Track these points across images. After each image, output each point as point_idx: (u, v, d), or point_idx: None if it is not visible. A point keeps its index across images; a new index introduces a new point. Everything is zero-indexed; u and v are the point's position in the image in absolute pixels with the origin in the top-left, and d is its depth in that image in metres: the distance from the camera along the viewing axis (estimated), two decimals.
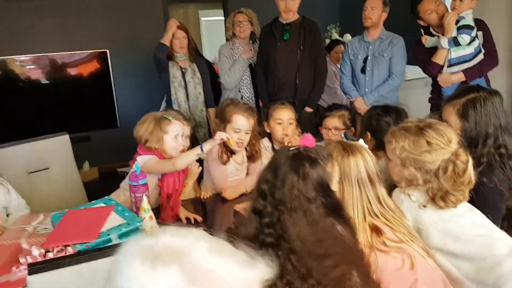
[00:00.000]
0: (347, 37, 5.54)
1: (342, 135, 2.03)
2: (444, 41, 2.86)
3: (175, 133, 2.17)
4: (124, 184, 2.26)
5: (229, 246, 0.76)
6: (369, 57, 3.44)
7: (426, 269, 1.36)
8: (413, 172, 1.47)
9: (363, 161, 1.41)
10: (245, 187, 2.33)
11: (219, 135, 2.11)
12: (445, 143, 1.43)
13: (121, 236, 1.44)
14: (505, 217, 1.74)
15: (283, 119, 2.53)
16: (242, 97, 3.73)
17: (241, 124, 2.31)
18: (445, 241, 1.47)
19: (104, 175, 5.13)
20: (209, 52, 7.04)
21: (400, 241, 1.39)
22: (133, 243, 0.70)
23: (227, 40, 3.89)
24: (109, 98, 5.37)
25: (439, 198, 1.43)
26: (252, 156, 2.40)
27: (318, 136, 2.84)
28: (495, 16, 3.28)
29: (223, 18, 6.26)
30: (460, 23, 2.82)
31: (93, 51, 5.22)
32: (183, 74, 3.59)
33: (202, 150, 2.09)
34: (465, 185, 1.44)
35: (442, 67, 2.98)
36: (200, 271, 0.65)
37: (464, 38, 2.81)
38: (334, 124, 2.53)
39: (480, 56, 2.90)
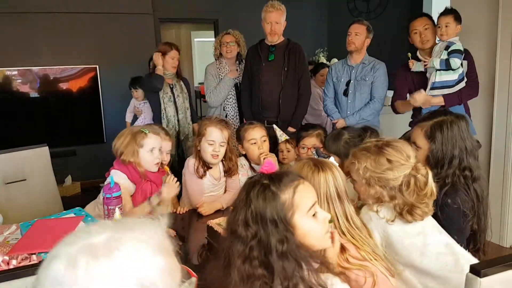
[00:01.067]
0: (334, 61, 5.64)
1: (314, 151, 2.06)
2: (436, 62, 2.94)
3: (150, 147, 2.19)
4: (99, 197, 2.27)
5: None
6: (351, 81, 3.52)
7: (388, 287, 1.38)
8: (379, 190, 1.50)
9: (333, 177, 1.44)
10: (221, 204, 2.36)
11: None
12: (405, 159, 1.48)
13: None
14: (469, 238, 1.78)
15: (256, 138, 2.56)
16: (226, 115, 3.80)
17: (215, 136, 2.34)
18: (411, 257, 1.49)
19: (86, 190, 5.11)
20: (200, 72, 7.12)
21: (363, 259, 1.41)
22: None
23: (215, 59, 3.97)
24: (97, 113, 5.42)
25: (406, 212, 1.47)
26: (229, 170, 2.42)
27: None
28: (478, 44, 3.38)
29: (214, 39, 6.36)
30: (452, 48, 2.90)
31: (83, 66, 5.28)
32: (172, 89, 3.77)
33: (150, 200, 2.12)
34: (428, 197, 1.48)
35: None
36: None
37: (456, 61, 2.89)
38: (312, 143, 2.57)
39: (462, 84, 2.99)
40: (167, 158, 2.41)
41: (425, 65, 3.06)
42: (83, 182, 5.25)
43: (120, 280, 0.66)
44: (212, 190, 2.40)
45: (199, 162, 2.34)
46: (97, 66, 5.34)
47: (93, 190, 4.82)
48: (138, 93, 4.27)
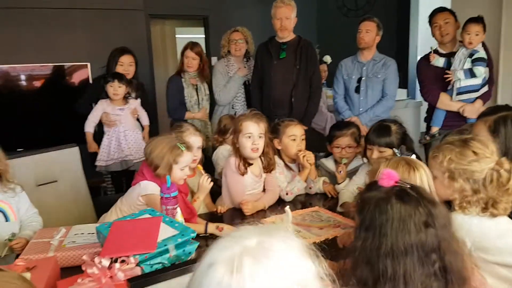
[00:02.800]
0: (327, 58, 5.70)
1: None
2: (460, 74, 3.02)
3: (184, 164, 2.13)
4: (120, 202, 2.21)
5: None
6: (363, 77, 3.56)
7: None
8: (462, 184, 1.51)
9: (426, 175, 1.46)
10: (263, 204, 2.35)
11: None
12: (490, 153, 1.50)
13: (178, 246, 1.42)
14: None
15: (297, 135, 2.56)
16: (235, 113, 3.76)
17: (252, 129, 2.31)
18: (504, 257, 1.48)
19: None
20: None
21: None
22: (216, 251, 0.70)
23: (221, 57, 3.93)
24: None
25: (491, 206, 1.49)
26: (268, 165, 2.40)
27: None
28: None
29: (203, 36, 6.30)
30: (476, 56, 2.99)
31: (73, 63, 5.11)
32: (197, 92, 3.73)
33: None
34: (509, 194, 1.49)
35: (438, 97, 3.16)
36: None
37: (480, 69, 2.98)
38: (347, 143, 2.58)
39: (486, 88, 3.10)
40: (198, 154, 2.37)
41: (448, 80, 3.11)
42: None
43: (282, 281, 0.67)
44: (253, 188, 2.38)
45: (239, 159, 2.32)
46: (88, 64, 5.17)
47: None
48: (121, 90, 3.32)
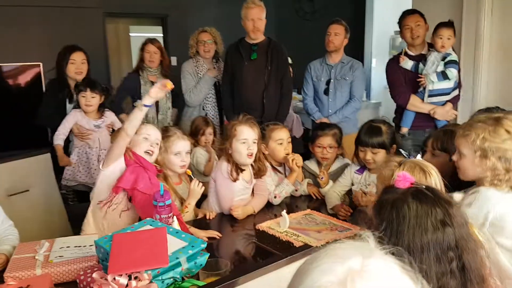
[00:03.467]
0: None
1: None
2: (433, 77, 3.11)
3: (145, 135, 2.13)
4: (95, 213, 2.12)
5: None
6: (331, 80, 3.62)
7: None
8: (495, 162, 1.53)
9: (438, 178, 1.48)
10: (252, 208, 2.31)
11: (156, 85, 2.05)
12: None
13: (188, 259, 1.36)
14: None
15: (284, 138, 2.54)
16: (206, 115, 3.70)
17: (247, 134, 2.27)
18: None
19: None
20: None
21: None
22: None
23: (190, 57, 3.85)
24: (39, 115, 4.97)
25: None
26: (259, 171, 2.37)
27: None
28: None
29: (161, 35, 6.17)
30: (448, 58, 3.09)
31: (24, 63, 4.83)
32: None
33: (146, 106, 2.03)
34: None
35: (408, 100, 3.25)
36: None
37: (453, 71, 3.08)
38: (328, 142, 2.61)
39: (457, 91, 3.22)
40: (187, 159, 2.30)
41: (421, 84, 3.20)
42: None
43: None
44: (242, 194, 2.33)
45: (232, 165, 2.27)
46: (41, 63, 4.90)
47: None
48: (94, 100, 2.96)
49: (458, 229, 1.15)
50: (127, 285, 1.19)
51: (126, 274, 1.23)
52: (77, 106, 3.03)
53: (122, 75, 6.75)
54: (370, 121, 2.42)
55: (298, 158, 2.48)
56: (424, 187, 1.19)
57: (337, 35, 3.57)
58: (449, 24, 3.10)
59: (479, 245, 1.23)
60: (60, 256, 1.68)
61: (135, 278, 1.21)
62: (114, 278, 1.20)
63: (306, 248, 1.27)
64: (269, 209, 2.42)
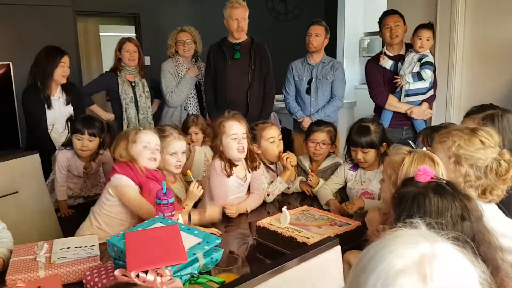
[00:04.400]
0: None
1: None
2: (408, 77, 3.21)
3: (145, 144, 2.11)
4: (93, 215, 2.12)
5: None
6: (313, 79, 3.67)
7: None
8: (467, 170, 1.61)
9: (444, 169, 1.54)
10: (245, 207, 2.31)
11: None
12: (494, 144, 1.61)
13: (205, 254, 1.35)
14: None
15: (275, 136, 2.55)
16: (188, 115, 3.67)
17: (236, 129, 2.27)
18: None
19: None
20: (107, 68, 6.69)
21: None
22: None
23: (169, 57, 3.81)
24: (11, 115, 4.80)
25: (489, 192, 1.60)
26: (252, 163, 2.36)
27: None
28: None
29: (133, 34, 6.06)
30: (424, 60, 3.20)
31: None
32: (134, 88, 3.57)
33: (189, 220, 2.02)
34: (504, 183, 1.61)
35: (386, 99, 3.35)
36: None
37: (427, 72, 3.18)
38: (322, 138, 2.64)
39: (432, 91, 3.33)
40: (183, 159, 2.29)
41: (397, 84, 3.30)
42: None
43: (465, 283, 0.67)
44: (237, 192, 2.33)
45: (225, 161, 2.27)
46: (10, 63, 4.73)
47: None
48: (92, 144, 2.56)
49: (475, 223, 1.21)
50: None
51: (146, 270, 1.21)
52: (68, 144, 2.61)
53: (92, 75, 6.65)
54: (359, 121, 2.46)
55: (292, 157, 2.51)
56: (444, 181, 1.24)
57: (318, 36, 3.62)
58: (429, 26, 3.21)
59: (493, 236, 1.29)
60: (63, 257, 1.64)
61: (157, 274, 1.20)
62: (138, 275, 1.18)
63: (324, 243, 1.28)
64: (263, 207, 2.43)
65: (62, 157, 2.57)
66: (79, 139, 2.52)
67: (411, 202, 1.24)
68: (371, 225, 1.80)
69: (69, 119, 2.71)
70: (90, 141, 2.54)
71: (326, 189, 2.48)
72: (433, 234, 0.72)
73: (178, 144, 2.23)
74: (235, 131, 2.26)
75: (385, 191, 1.64)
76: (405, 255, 0.65)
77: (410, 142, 2.24)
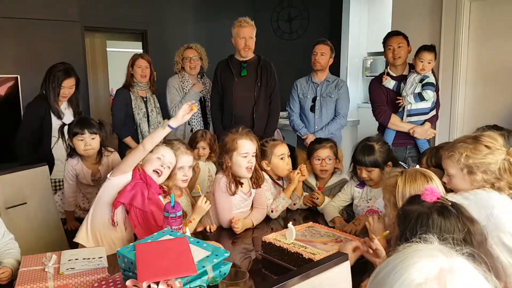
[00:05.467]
0: None
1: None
2: (410, 98, 3.25)
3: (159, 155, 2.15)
4: (88, 224, 2.11)
5: None
6: (317, 97, 3.71)
7: None
8: (482, 176, 1.64)
9: (440, 184, 1.56)
10: (251, 221, 2.33)
11: (183, 108, 2.07)
12: (500, 145, 1.65)
13: (214, 267, 1.36)
14: None
15: (285, 153, 2.57)
16: (192, 130, 3.72)
17: (248, 148, 2.29)
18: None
19: None
20: (113, 82, 6.75)
21: None
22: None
23: (175, 73, 3.87)
24: (18, 127, 4.83)
25: (508, 188, 1.63)
26: (257, 181, 2.38)
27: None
28: None
29: (140, 50, 6.14)
30: (426, 81, 3.24)
31: (1, 76, 4.71)
32: (146, 104, 3.64)
33: (171, 127, 2.07)
34: None
35: (389, 118, 3.39)
36: None
37: (429, 93, 3.23)
38: (327, 154, 2.66)
39: (434, 111, 3.37)
40: (189, 173, 2.31)
41: (400, 105, 3.34)
42: None
43: None
44: (242, 207, 2.35)
45: (231, 179, 2.29)
46: (18, 76, 4.80)
47: None
48: (95, 142, 2.56)
49: (477, 247, 1.22)
50: None
51: (156, 281, 1.23)
52: (72, 152, 2.60)
53: (98, 90, 6.71)
54: (365, 140, 2.47)
55: (304, 170, 2.51)
56: (450, 203, 1.26)
57: (323, 55, 3.68)
58: (431, 48, 3.26)
59: (496, 261, 1.29)
60: (71, 268, 1.65)
61: (168, 285, 1.22)
62: (149, 286, 1.19)
63: (333, 258, 1.29)
64: (266, 223, 2.44)
65: (68, 166, 2.58)
66: (81, 140, 2.52)
67: (415, 220, 1.26)
68: (375, 236, 1.82)
69: (61, 127, 2.66)
70: (92, 139, 2.54)
71: (332, 206, 2.50)
72: (449, 249, 0.74)
73: (185, 158, 2.26)
74: (247, 150, 2.29)
75: (390, 217, 1.66)
76: (424, 269, 0.67)
77: (401, 163, 2.26)
